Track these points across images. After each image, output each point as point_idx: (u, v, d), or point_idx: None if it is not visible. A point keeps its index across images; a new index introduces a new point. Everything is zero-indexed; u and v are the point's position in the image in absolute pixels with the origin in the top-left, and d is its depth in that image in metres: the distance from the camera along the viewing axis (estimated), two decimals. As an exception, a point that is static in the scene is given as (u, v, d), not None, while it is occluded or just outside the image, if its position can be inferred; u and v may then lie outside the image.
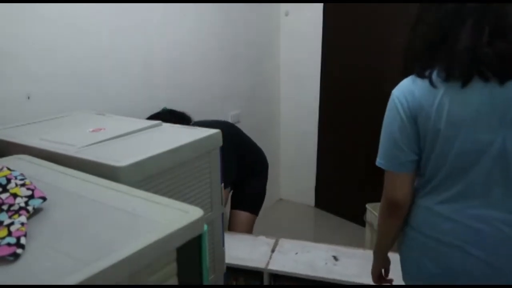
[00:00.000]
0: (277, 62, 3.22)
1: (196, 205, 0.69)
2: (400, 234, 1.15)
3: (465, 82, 0.91)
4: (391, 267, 1.28)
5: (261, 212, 2.24)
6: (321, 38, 2.99)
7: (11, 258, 0.54)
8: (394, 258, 1.25)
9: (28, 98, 1.49)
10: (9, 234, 0.59)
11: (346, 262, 1.61)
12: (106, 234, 0.61)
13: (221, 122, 2.06)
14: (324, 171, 3.26)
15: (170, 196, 0.79)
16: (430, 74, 0.96)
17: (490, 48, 0.90)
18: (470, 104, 0.92)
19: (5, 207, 0.65)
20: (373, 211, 2.49)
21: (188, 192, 1.10)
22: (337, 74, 2.98)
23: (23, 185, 0.70)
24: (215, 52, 2.48)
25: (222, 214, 1.28)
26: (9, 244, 0.56)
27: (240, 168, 1.98)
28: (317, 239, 2.12)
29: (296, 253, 1.68)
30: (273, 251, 1.71)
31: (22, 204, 0.66)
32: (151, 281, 0.59)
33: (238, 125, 2.14)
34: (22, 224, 0.61)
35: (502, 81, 0.90)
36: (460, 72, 0.91)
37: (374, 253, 1.25)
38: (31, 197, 0.68)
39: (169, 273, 0.62)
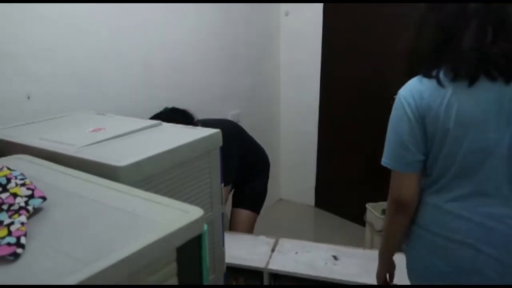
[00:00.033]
0: (277, 62, 3.22)
1: (196, 205, 0.69)
2: (406, 234, 1.15)
3: (472, 81, 0.93)
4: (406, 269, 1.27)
5: (261, 212, 2.24)
6: (321, 38, 2.99)
7: (11, 258, 0.54)
8: (396, 258, 1.25)
9: (28, 98, 1.49)
10: (9, 233, 0.59)
11: (346, 262, 1.61)
12: (106, 234, 0.61)
13: (225, 121, 2.07)
14: (324, 171, 3.26)
15: (170, 196, 0.79)
16: (437, 74, 0.97)
17: (494, 47, 0.91)
18: (478, 103, 0.93)
19: (5, 206, 0.65)
20: (373, 211, 2.49)
21: (188, 192, 1.10)
22: (337, 74, 2.98)
23: (23, 184, 0.70)
24: (215, 52, 2.48)
25: (222, 214, 1.28)
26: (9, 244, 0.56)
27: (242, 168, 1.98)
28: (317, 239, 2.12)
29: (296, 253, 1.68)
30: (273, 251, 1.71)
31: (22, 204, 0.66)
32: (151, 281, 0.59)
33: (238, 125, 2.14)
34: (22, 223, 0.61)
35: (508, 80, 0.91)
36: (467, 72, 0.93)
37: (380, 256, 1.24)
38: (31, 196, 0.68)
39: (169, 273, 0.62)
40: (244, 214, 2.09)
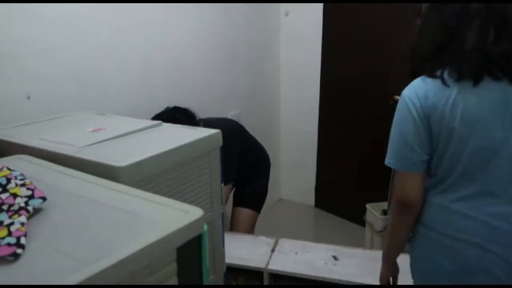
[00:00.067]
0: (277, 62, 3.22)
1: (196, 205, 0.69)
2: (410, 234, 1.15)
3: (476, 81, 0.93)
4: (406, 269, 1.26)
5: (261, 212, 2.24)
6: (321, 38, 2.99)
7: (11, 258, 0.54)
8: (399, 259, 1.24)
9: (28, 98, 1.49)
10: (9, 234, 0.59)
11: (346, 262, 1.61)
12: (106, 234, 0.61)
13: (226, 120, 2.08)
14: (324, 171, 3.26)
15: (170, 196, 0.79)
16: (442, 73, 0.97)
17: (496, 48, 0.91)
18: (484, 103, 0.93)
19: (5, 207, 0.65)
20: (373, 211, 2.49)
21: (188, 192, 1.10)
22: (337, 74, 2.98)
23: (23, 185, 0.70)
24: (215, 52, 2.48)
25: (222, 214, 1.28)
26: (9, 244, 0.56)
27: (243, 167, 1.98)
28: (317, 239, 2.12)
29: (296, 253, 1.68)
30: (273, 251, 1.71)
31: (22, 204, 0.66)
32: (151, 281, 0.59)
33: (238, 125, 2.14)
34: (22, 224, 0.61)
35: (511, 80, 0.92)
36: (471, 72, 0.93)
37: (383, 257, 1.24)
38: (31, 197, 0.69)
39: (169, 273, 0.62)
40: (245, 213, 2.10)
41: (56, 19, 1.54)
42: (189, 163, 1.08)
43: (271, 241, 1.79)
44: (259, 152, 2.18)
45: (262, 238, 1.84)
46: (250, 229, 2.12)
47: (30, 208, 0.66)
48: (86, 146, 1.01)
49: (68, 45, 1.60)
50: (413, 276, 1.16)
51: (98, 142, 1.04)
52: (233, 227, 2.13)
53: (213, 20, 2.41)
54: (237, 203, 2.14)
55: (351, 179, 3.06)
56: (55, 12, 1.53)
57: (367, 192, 2.77)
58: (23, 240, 0.58)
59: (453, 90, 0.95)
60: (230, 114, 2.67)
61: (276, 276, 1.60)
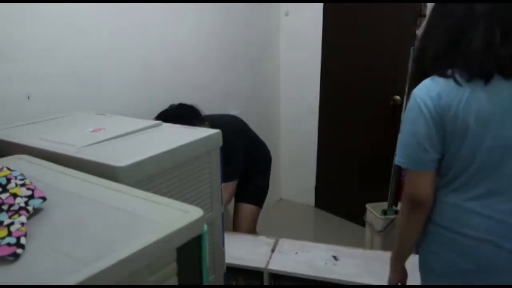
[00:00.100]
0: (277, 62, 3.22)
1: (196, 205, 0.69)
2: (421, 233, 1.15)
3: (487, 81, 0.95)
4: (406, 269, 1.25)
5: (261, 212, 2.25)
6: (321, 38, 2.99)
7: (11, 258, 0.54)
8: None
9: (28, 98, 1.49)
10: (9, 234, 0.59)
11: (346, 262, 1.61)
12: (106, 234, 0.61)
13: (230, 117, 2.09)
14: (324, 171, 3.26)
15: (170, 196, 0.79)
16: (453, 73, 0.98)
17: (504, 49, 0.93)
18: (496, 102, 0.94)
19: (5, 207, 0.65)
20: (373, 211, 2.49)
21: (188, 192, 1.10)
22: (337, 74, 2.98)
23: (23, 185, 0.70)
24: (215, 52, 2.48)
25: (222, 214, 1.28)
26: (9, 244, 0.56)
27: (246, 164, 2.00)
28: (317, 239, 2.12)
29: (296, 253, 1.68)
30: (273, 251, 1.71)
31: (22, 204, 0.66)
32: (151, 281, 0.59)
33: (238, 125, 2.14)
34: (22, 224, 0.61)
35: None
36: (481, 73, 0.95)
37: (392, 261, 1.22)
38: (31, 197, 0.69)
39: (169, 273, 0.62)
40: (248, 208, 2.12)
41: (56, 19, 1.54)
42: (189, 163, 1.08)
43: (271, 241, 1.79)
44: (261, 150, 2.20)
45: (262, 238, 1.84)
46: (253, 224, 2.15)
47: (30, 208, 0.66)
48: (86, 146, 1.01)
49: (68, 45, 1.60)
50: (424, 276, 1.16)
51: (98, 142, 1.04)
52: (236, 223, 2.15)
53: (213, 20, 2.41)
54: (240, 199, 2.16)
55: (351, 179, 3.06)
56: (55, 12, 1.53)
57: (367, 192, 2.77)
58: (23, 240, 0.58)
59: (466, 89, 0.96)
60: (230, 114, 2.67)
61: (276, 276, 1.60)
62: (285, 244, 1.77)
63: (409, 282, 1.24)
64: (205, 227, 0.67)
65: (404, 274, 1.22)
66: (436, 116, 0.98)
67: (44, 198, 0.69)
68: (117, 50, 1.81)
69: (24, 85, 1.47)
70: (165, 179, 1.00)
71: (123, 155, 0.92)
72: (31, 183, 0.72)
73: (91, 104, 1.68)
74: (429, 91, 1.00)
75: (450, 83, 0.98)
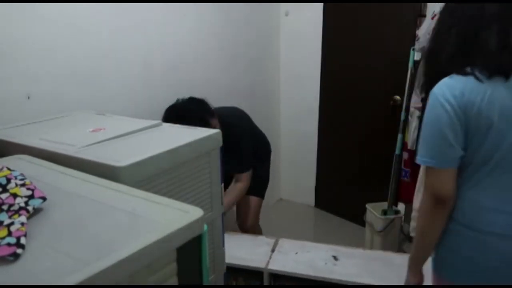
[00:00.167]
0: (277, 62, 3.22)
1: (196, 205, 0.69)
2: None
3: (507, 77, 0.97)
4: (406, 269, 1.23)
5: (261, 212, 2.26)
6: (321, 38, 2.99)
7: (11, 258, 0.54)
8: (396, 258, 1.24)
9: (28, 98, 1.49)
10: (9, 234, 0.59)
11: (346, 262, 1.61)
12: (106, 234, 0.61)
13: (236, 109, 2.11)
14: (324, 171, 3.26)
15: (170, 196, 0.79)
16: (472, 70, 1.00)
17: None
18: None
19: (5, 207, 0.65)
20: (373, 211, 2.49)
21: (188, 192, 1.10)
22: (337, 74, 2.98)
23: (23, 185, 0.70)
24: (215, 52, 2.48)
25: (222, 214, 1.28)
26: (9, 244, 0.56)
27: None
28: (317, 239, 2.12)
29: (296, 253, 1.68)
30: (273, 251, 1.71)
31: (22, 204, 0.66)
32: (151, 281, 0.59)
33: (238, 125, 2.14)
34: (22, 224, 0.61)
35: None
36: (500, 70, 0.97)
37: (411, 264, 1.20)
38: (31, 197, 0.69)
39: (169, 273, 0.62)
40: (252, 200, 2.15)
41: (56, 19, 1.54)
42: (189, 163, 1.08)
43: (271, 241, 1.79)
44: (262, 140, 2.23)
45: (262, 238, 1.84)
46: (257, 215, 2.20)
47: (30, 208, 0.66)
48: (86, 146, 1.01)
49: (68, 45, 1.60)
50: (440, 276, 1.15)
51: (98, 142, 1.04)
52: (240, 215, 2.18)
53: (213, 20, 2.41)
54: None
55: (351, 179, 3.06)
56: (55, 12, 1.53)
57: (367, 192, 2.77)
58: (23, 240, 0.58)
59: (487, 86, 0.98)
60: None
61: (276, 276, 1.60)
62: (285, 244, 1.77)
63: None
64: (205, 227, 0.67)
65: (422, 276, 1.21)
66: (460, 113, 0.99)
67: (44, 198, 0.69)
68: (117, 50, 1.81)
69: (24, 85, 1.47)
70: (165, 179, 1.00)
71: (123, 155, 0.92)
72: (31, 183, 0.72)
73: (91, 104, 1.68)
74: (451, 89, 1.01)
75: (470, 80, 0.99)
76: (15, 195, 0.67)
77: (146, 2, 1.91)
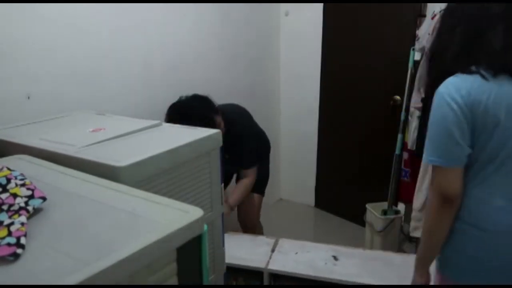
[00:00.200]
0: (277, 62, 3.22)
1: (196, 205, 0.69)
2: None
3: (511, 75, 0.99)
4: (407, 269, 1.24)
5: (261, 212, 2.26)
6: (321, 38, 2.99)
7: (11, 258, 0.54)
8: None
9: (28, 98, 1.49)
10: (9, 234, 0.59)
11: (346, 262, 1.61)
12: (106, 234, 0.61)
13: (237, 106, 2.13)
14: (324, 171, 3.26)
15: (170, 196, 0.79)
16: (478, 69, 1.01)
17: None
18: None
19: (5, 207, 0.65)
20: (373, 211, 2.49)
21: (188, 192, 1.10)
22: (337, 74, 2.98)
23: (23, 185, 0.70)
24: (215, 52, 2.48)
25: (222, 214, 1.28)
26: (9, 244, 0.56)
27: None
28: (317, 239, 2.12)
29: (296, 253, 1.68)
30: (273, 251, 1.71)
31: (22, 204, 0.66)
32: (151, 281, 0.59)
33: (238, 125, 2.14)
34: (22, 224, 0.61)
35: None
36: (504, 69, 0.98)
37: (418, 264, 1.20)
38: (31, 197, 0.69)
39: (169, 273, 0.62)
40: (254, 198, 2.17)
41: (56, 19, 1.54)
42: (189, 163, 1.08)
43: (271, 241, 1.79)
44: (262, 137, 2.25)
45: (262, 238, 1.84)
46: (259, 212, 2.23)
47: (30, 208, 0.66)
48: (86, 146, 1.01)
49: (68, 45, 1.60)
50: (445, 275, 1.15)
51: (98, 142, 1.04)
52: (242, 212, 2.20)
53: (213, 20, 2.41)
54: None
55: (351, 179, 3.06)
56: (55, 12, 1.53)
57: (367, 192, 2.77)
58: (23, 240, 0.58)
59: (493, 84, 0.99)
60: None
61: (276, 276, 1.60)
62: (285, 244, 1.76)
63: (410, 282, 1.24)
64: (205, 227, 0.67)
65: (429, 276, 1.21)
66: (466, 111, 1.00)
67: (44, 198, 0.69)
68: (117, 50, 1.81)
69: (24, 85, 1.47)
70: (165, 179, 1.00)
71: (123, 155, 0.92)
72: (31, 183, 0.72)
73: (91, 104, 1.68)
74: (457, 87, 1.01)
75: (476, 78, 1.00)
76: (15, 195, 0.67)
77: (146, 2, 1.91)
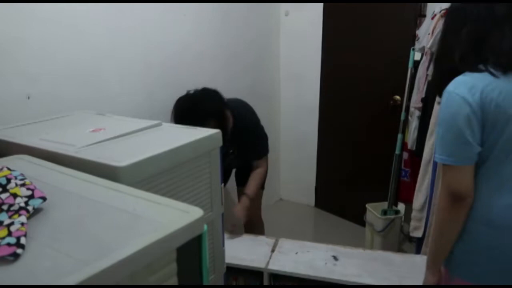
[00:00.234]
0: (277, 62, 3.22)
1: (196, 205, 0.69)
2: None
3: None
4: (407, 269, 1.23)
5: (261, 213, 2.26)
6: (321, 38, 2.99)
7: (11, 258, 0.54)
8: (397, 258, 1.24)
9: (28, 98, 1.49)
10: (9, 234, 0.59)
11: (346, 262, 1.61)
12: (106, 234, 0.61)
13: (242, 101, 2.14)
14: (324, 171, 3.26)
15: (170, 196, 0.79)
16: (486, 67, 1.02)
17: None
18: None
19: (5, 207, 0.65)
20: (373, 211, 2.49)
21: (188, 192, 1.10)
22: (337, 74, 2.98)
23: (23, 185, 0.70)
24: (215, 52, 2.48)
25: (222, 214, 1.28)
26: (9, 244, 0.56)
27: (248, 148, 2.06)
28: (317, 239, 2.12)
29: (296, 253, 1.68)
30: (273, 251, 1.71)
31: (22, 204, 0.66)
32: (151, 281, 0.59)
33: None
34: (22, 224, 0.61)
35: None
36: None
37: (430, 263, 1.19)
38: (31, 197, 0.69)
39: (169, 273, 0.62)
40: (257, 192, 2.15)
41: (56, 19, 1.54)
42: (189, 163, 1.08)
43: (271, 241, 1.79)
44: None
45: (262, 238, 1.84)
46: (259, 206, 2.24)
47: (30, 208, 0.66)
48: (86, 146, 1.01)
49: (68, 45, 1.60)
50: (453, 273, 1.14)
51: (98, 142, 1.04)
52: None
53: (213, 20, 2.41)
54: (244, 184, 2.19)
55: (351, 179, 3.06)
56: (55, 12, 1.53)
57: (367, 192, 2.77)
58: (23, 240, 0.58)
59: (503, 81, 1.00)
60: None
61: (276, 276, 1.60)
62: (285, 244, 1.76)
63: (411, 282, 1.24)
64: (205, 227, 0.67)
65: (440, 275, 1.20)
66: (477, 109, 1.00)
67: (44, 198, 0.69)
68: (117, 50, 1.81)
69: (24, 85, 1.47)
70: (165, 179, 1.00)
71: (123, 155, 0.92)
72: (31, 183, 0.72)
73: (91, 104, 1.68)
74: (466, 86, 1.02)
75: (485, 76, 1.01)
76: (15, 195, 0.67)
77: (146, 2, 1.91)
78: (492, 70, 1.00)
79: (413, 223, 2.23)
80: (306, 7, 3.00)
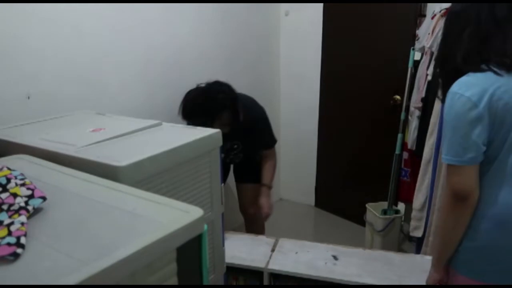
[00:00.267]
0: (277, 62, 3.22)
1: (196, 205, 0.69)
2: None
3: None
4: (407, 269, 1.23)
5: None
6: (321, 38, 2.99)
7: (11, 258, 0.54)
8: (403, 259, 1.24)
9: (28, 98, 1.49)
10: (9, 233, 0.59)
11: (346, 262, 1.61)
12: (106, 234, 0.61)
13: (247, 95, 2.15)
14: (324, 171, 3.26)
15: (170, 196, 0.79)
16: (489, 66, 1.02)
17: None
18: None
19: (5, 206, 0.65)
20: (373, 211, 2.49)
21: (188, 192, 1.10)
22: (337, 73, 2.98)
23: (23, 184, 0.70)
24: (215, 52, 2.48)
25: (222, 214, 1.28)
26: (9, 244, 0.56)
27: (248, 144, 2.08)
28: (317, 239, 2.12)
29: (296, 253, 1.68)
30: (273, 251, 1.71)
31: (22, 204, 0.66)
32: (151, 281, 0.59)
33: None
34: (22, 223, 0.61)
35: None
36: None
37: (436, 261, 1.20)
38: (31, 196, 0.69)
39: (169, 273, 0.62)
40: (254, 188, 2.17)
41: (56, 19, 1.54)
42: (189, 163, 1.08)
43: (271, 241, 1.79)
44: None
45: (262, 238, 1.84)
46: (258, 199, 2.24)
47: (30, 208, 0.66)
48: (86, 146, 1.01)
49: (68, 45, 1.60)
50: (457, 272, 1.14)
51: (98, 142, 1.04)
52: (244, 203, 2.22)
53: (213, 20, 2.41)
54: (243, 180, 2.23)
55: (351, 179, 3.06)
56: (55, 12, 1.53)
57: (367, 192, 2.77)
58: (23, 240, 0.58)
59: (508, 78, 1.00)
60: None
61: (276, 276, 1.60)
62: (285, 244, 1.76)
63: (411, 282, 1.24)
64: (205, 227, 0.67)
65: (446, 275, 1.21)
66: (482, 109, 1.00)
67: (44, 198, 0.69)
68: (117, 50, 1.81)
69: (24, 85, 1.47)
70: (165, 179, 1.00)
71: (123, 155, 0.92)
72: (31, 183, 0.72)
73: (91, 104, 1.68)
74: (471, 85, 1.02)
75: (489, 75, 1.01)
76: (15, 195, 0.67)
77: (146, 2, 1.91)
78: (495, 69, 1.01)
79: (413, 223, 2.23)
80: (306, 7, 3.00)
